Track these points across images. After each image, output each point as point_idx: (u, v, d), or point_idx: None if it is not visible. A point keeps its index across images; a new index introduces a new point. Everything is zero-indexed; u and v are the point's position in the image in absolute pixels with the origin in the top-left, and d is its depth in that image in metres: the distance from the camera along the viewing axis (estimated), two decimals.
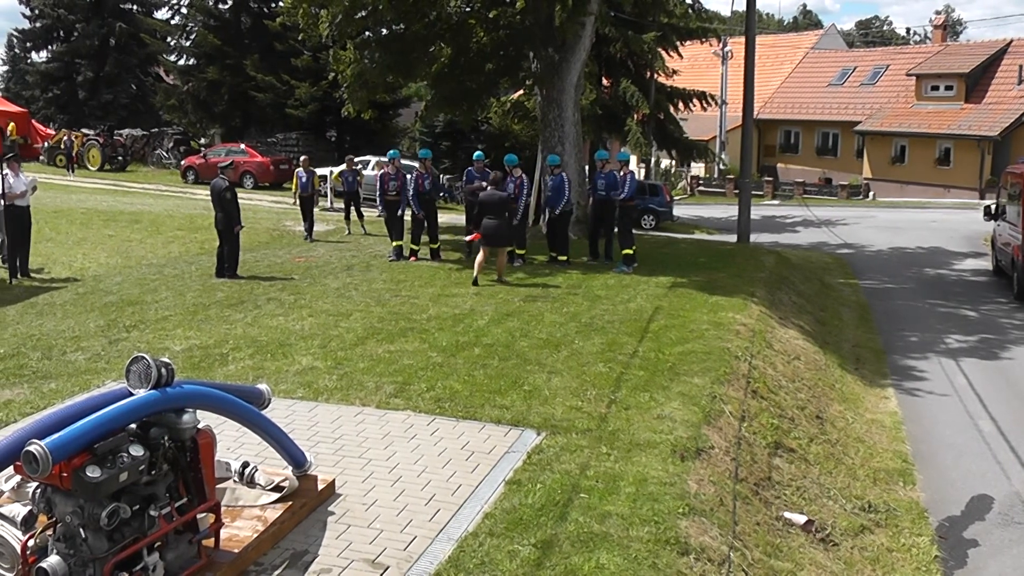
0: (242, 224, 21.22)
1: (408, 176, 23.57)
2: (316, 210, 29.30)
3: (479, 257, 20.07)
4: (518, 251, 22.51)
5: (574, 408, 11.23)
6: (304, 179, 27.84)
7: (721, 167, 61.87)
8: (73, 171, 51.26)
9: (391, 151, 25.68)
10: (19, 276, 20.67)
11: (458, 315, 16.43)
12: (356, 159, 33.21)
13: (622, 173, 22.53)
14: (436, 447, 9.99)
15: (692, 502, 8.80)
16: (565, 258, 22.44)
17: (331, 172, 37.62)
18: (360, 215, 29.81)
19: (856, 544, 10.03)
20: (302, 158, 30.32)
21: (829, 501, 10.92)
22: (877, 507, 11.05)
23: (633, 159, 53.96)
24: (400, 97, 53.69)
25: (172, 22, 66.88)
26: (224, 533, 7.41)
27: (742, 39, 35.90)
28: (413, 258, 23.10)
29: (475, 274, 19.77)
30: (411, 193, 22.99)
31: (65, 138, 53.74)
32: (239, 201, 21.15)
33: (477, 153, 23.59)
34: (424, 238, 23.91)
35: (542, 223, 24.13)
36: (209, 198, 21.48)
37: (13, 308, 17.82)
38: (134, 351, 11.41)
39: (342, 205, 31.12)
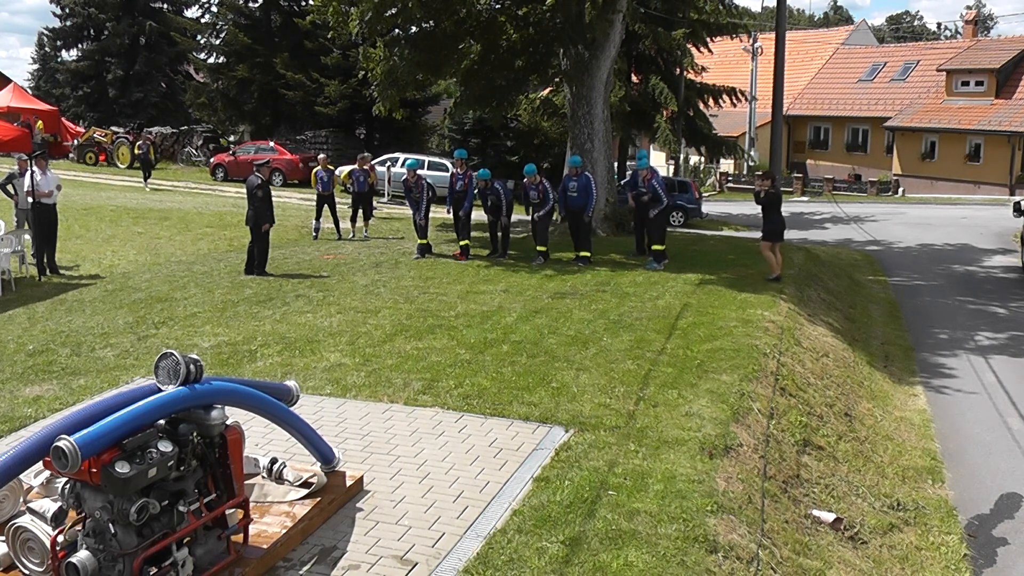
0: (273, 221, 21.28)
1: (425, 184, 23.60)
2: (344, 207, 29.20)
3: (773, 255, 20.77)
4: (539, 248, 22.59)
5: (602, 405, 11.22)
6: (324, 178, 27.81)
7: (750, 164, 61.65)
8: (148, 178, 46.77)
9: (409, 161, 25.78)
10: (48, 273, 20.83)
11: (486, 312, 16.43)
12: (374, 157, 33.05)
13: (645, 178, 22.51)
14: (464, 444, 10.00)
15: (720, 500, 8.78)
16: (588, 255, 22.42)
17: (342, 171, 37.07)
18: (367, 217, 29.17)
19: (885, 542, 9.99)
20: (320, 157, 30.29)
21: (858, 499, 10.88)
22: (906, 505, 10.99)
23: (662, 156, 54.05)
24: (429, 94, 53.77)
25: (202, 20, 67.42)
26: (253, 529, 7.44)
27: (772, 35, 35.79)
28: (462, 256, 23.14)
29: (776, 272, 20.58)
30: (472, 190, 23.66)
31: (141, 142, 49.54)
32: (271, 199, 21.24)
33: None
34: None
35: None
36: (239, 195, 21.54)
37: (42, 304, 17.95)
38: (163, 347, 11.51)
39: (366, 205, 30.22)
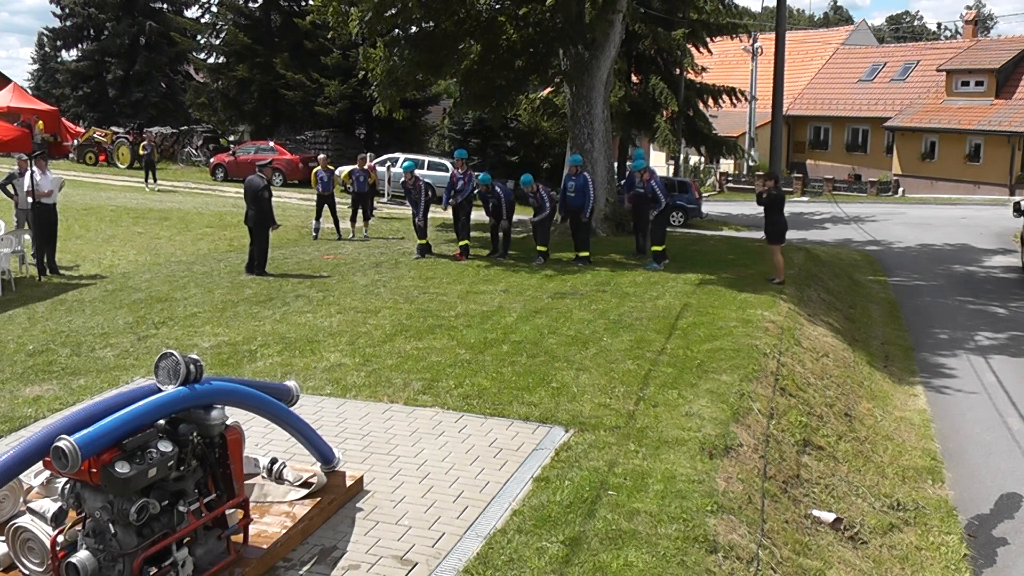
0: (277, 223, 21.31)
1: (423, 184, 23.60)
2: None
3: (779, 258, 20.63)
4: (540, 248, 22.62)
5: (602, 405, 11.22)
6: (324, 178, 27.83)
7: (750, 164, 61.59)
8: (154, 180, 46.08)
9: (406, 164, 25.73)
10: (47, 273, 20.82)
11: (486, 312, 16.43)
12: (373, 157, 32.98)
13: (644, 179, 22.51)
14: (464, 444, 10.00)
15: (720, 500, 8.78)
16: (587, 255, 22.42)
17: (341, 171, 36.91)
18: (367, 217, 29.27)
19: (885, 542, 9.99)
20: (320, 157, 30.32)
21: (858, 499, 10.87)
22: (906, 505, 10.99)
23: (662, 156, 54.01)
24: (429, 94, 53.75)
25: (202, 20, 67.40)
26: (253, 529, 7.44)
27: (772, 35, 35.82)
28: (462, 256, 23.15)
29: (780, 277, 20.35)
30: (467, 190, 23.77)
31: (146, 143, 48.16)
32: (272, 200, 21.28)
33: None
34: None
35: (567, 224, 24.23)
36: (239, 195, 21.50)
37: (42, 305, 17.94)
38: (163, 348, 11.50)
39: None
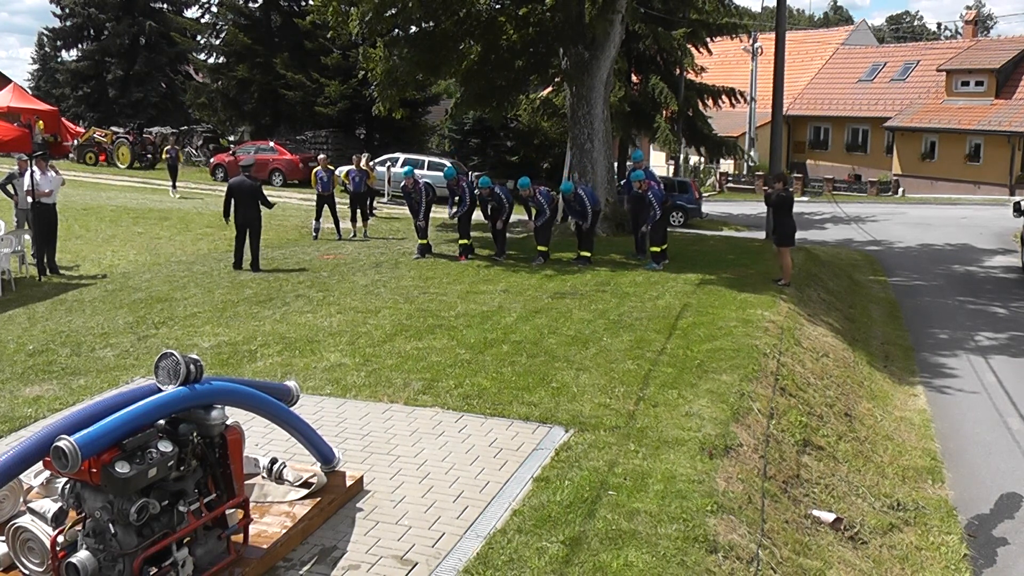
0: (271, 203, 21.74)
1: (423, 187, 23.57)
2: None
3: (788, 260, 20.63)
4: (540, 248, 22.59)
5: (602, 405, 11.22)
6: (324, 178, 27.84)
7: (750, 164, 61.56)
8: (175, 187, 44.59)
9: (406, 169, 25.72)
10: (48, 273, 20.81)
11: (486, 312, 16.42)
12: (371, 158, 33.03)
13: (642, 189, 22.39)
14: (464, 444, 9.99)
15: (720, 500, 8.78)
16: (588, 255, 22.40)
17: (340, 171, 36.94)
18: (365, 218, 29.44)
19: (885, 542, 9.98)
20: (320, 157, 30.37)
21: (858, 499, 10.87)
22: (906, 505, 10.99)
23: (662, 156, 53.98)
24: (429, 94, 53.77)
25: (202, 20, 67.44)
26: (253, 529, 7.44)
27: (772, 35, 35.73)
28: (462, 256, 23.14)
29: (786, 279, 20.31)
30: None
31: (169, 147, 47.14)
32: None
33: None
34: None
35: (570, 221, 24.18)
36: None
37: (42, 305, 17.93)
38: (163, 348, 11.50)
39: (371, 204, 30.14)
